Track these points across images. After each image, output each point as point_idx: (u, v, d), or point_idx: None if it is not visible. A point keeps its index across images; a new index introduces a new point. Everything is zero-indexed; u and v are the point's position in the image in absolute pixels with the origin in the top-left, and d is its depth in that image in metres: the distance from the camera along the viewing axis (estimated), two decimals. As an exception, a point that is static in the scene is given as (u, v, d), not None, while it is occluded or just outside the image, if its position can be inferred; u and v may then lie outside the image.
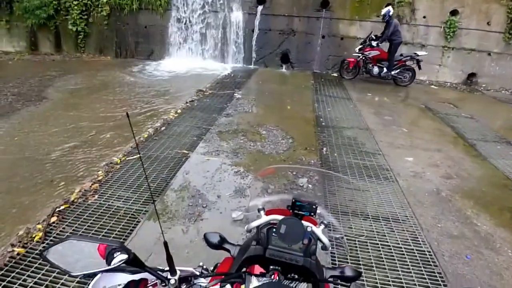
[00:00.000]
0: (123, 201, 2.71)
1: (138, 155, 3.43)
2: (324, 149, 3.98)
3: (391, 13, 6.73)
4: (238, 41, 8.56)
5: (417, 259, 2.30)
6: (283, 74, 8.17)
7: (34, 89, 5.96)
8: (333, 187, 3.13)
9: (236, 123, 4.59)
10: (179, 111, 4.97)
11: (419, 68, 7.18)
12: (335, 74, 8.20)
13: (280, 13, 8.22)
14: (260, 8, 8.19)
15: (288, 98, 6.00)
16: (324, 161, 3.68)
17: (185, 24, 8.56)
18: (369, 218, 2.73)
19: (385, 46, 7.12)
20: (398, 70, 7.24)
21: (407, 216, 2.79)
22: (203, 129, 4.32)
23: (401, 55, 7.17)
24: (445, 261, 2.31)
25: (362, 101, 6.12)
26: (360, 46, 7.30)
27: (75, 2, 8.41)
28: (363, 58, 7.26)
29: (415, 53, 7.16)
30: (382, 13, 6.85)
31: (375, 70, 7.21)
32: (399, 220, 2.73)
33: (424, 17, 7.90)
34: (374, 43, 7.03)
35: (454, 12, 7.77)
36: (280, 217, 0.97)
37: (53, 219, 2.43)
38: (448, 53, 8.03)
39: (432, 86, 7.91)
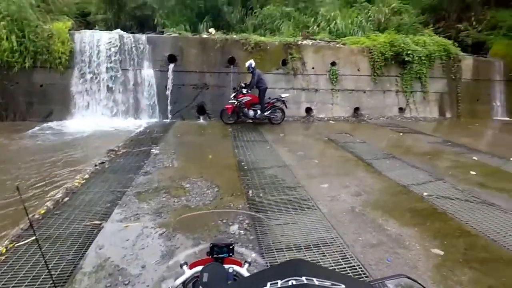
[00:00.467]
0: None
1: (33, 238, 2.78)
2: (250, 191, 4.07)
3: (253, 65, 7.72)
4: (151, 96, 8.55)
5: (351, 275, 2.45)
6: (201, 125, 8.34)
7: None
8: (263, 227, 3.18)
9: (156, 180, 4.35)
10: (86, 176, 4.44)
11: (286, 107, 8.32)
12: (249, 121, 8.78)
13: (191, 70, 8.68)
14: (171, 65, 8.52)
15: (208, 147, 6.08)
16: (252, 203, 3.75)
17: (91, 81, 8.16)
18: (302, 248, 2.83)
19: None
20: (270, 111, 8.21)
21: (333, 238, 3.00)
22: (117, 192, 3.92)
23: (269, 98, 8.18)
24: (372, 269, 2.53)
25: (276, 142, 6.63)
26: (234, 94, 8.18)
27: None
28: (238, 104, 8.07)
29: (280, 96, 8.25)
30: (246, 65, 7.80)
31: (251, 113, 8.12)
32: (327, 243, 2.91)
33: (313, 68, 9.45)
34: (244, 91, 7.97)
35: (333, 63, 9.56)
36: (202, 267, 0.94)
37: None
38: (336, 94, 9.62)
39: (330, 122, 9.21)
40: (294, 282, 0.55)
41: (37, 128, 7.28)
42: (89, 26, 13.24)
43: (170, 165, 5.03)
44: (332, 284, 0.55)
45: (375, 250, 2.81)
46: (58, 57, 7.81)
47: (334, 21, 11.72)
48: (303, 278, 0.56)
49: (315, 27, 11.97)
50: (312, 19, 12.47)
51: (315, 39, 10.27)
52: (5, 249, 2.70)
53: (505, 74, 11.45)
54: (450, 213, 3.55)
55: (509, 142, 7.59)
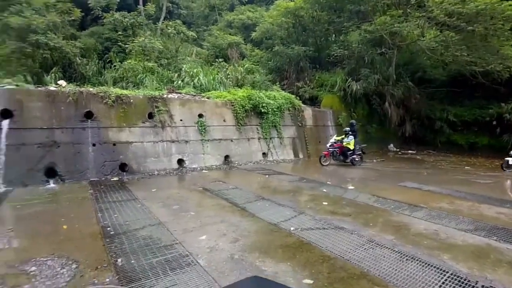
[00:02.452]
0: None
1: None
2: (119, 260, 3.56)
3: None
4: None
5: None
6: (52, 190, 6.84)
7: None
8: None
9: (-21, 273, 3.22)
10: None
11: None
12: (115, 178, 7.92)
13: (36, 126, 7.29)
14: (5, 122, 6.93)
15: (62, 216, 5.02)
16: (122, 274, 3.27)
17: None
18: (184, 312, 2.63)
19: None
20: None
21: (215, 292, 2.94)
22: None
23: None
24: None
25: (148, 198, 6.17)
26: None
27: None
28: None
29: None
30: None
31: None
32: (210, 299, 2.81)
33: (181, 120, 9.67)
34: None
35: (200, 115, 10.11)
36: None
37: None
38: (206, 144, 10.07)
39: (203, 171, 9.41)
40: None
41: None
42: None
43: (7, 247, 3.87)
44: None
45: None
46: None
47: (198, 77, 12.70)
48: None
49: (179, 81, 12.58)
50: (176, 74, 13.11)
51: (180, 93, 10.71)
52: None
53: (334, 120, 15.02)
54: (313, 242, 4.09)
55: (344, 175, 9.73)
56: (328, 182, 8.10)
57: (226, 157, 10.52)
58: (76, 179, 7.56)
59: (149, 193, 6.67)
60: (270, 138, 11.95)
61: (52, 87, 8.28)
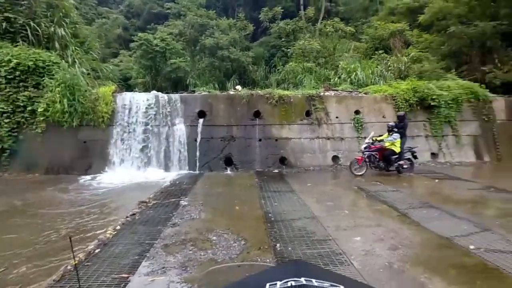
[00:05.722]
0: None
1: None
2: (278, 245, 3.93)
3: None
4: (182, 149, 8.96)
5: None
6: (229, 176, 8.46)
7: None
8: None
9: (183, 232, 4.35)
10: (118, 227, 4.55)
11: None
12: (276, 171, 8.81)
13: (219, 124, 9.18)
14: (201, 120, 9.09)
15: (235, 198, 6.08)
16: (280, 258, 3.59)
17: (127, 138, 8.80)
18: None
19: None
20: None
21: (370, 298, 2.73)
22: (146, 244, 3.94)
23: None
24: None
25: (304, 192, 6.49)
26: None
27: (6, 120, 8.11)
28: None
29: None
30: None
31: None
32: (364, 304, 2.65)
33: (337, 117, 9.59)
34: None
35: (357, 112, 9.67)
36: None
37: None
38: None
39: (359, 170, 8.92)
40: (293, 283, 0.55)
41: (78, 180, 7.74)
42: (130, 88, 15.13)
43: (197, 217, 5.05)
44: (331, 285, 0.55)
45: (419, 313, 2.51)
46: (101, 116, 8.61)
47: (355, 72, 12.17)
48: (302, 279, 0.56)
49: (336, 79, 12.48)
50: (333, 72, 13.07)
51: (337, 90, 10.60)
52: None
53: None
54: (504, 269, 3.15)
55: None
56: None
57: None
58: (245, 169, 8.96)
59: (305, 187, 7.01)
60: (442, 136, 9.97)
61: (231, 92, 10.18)
